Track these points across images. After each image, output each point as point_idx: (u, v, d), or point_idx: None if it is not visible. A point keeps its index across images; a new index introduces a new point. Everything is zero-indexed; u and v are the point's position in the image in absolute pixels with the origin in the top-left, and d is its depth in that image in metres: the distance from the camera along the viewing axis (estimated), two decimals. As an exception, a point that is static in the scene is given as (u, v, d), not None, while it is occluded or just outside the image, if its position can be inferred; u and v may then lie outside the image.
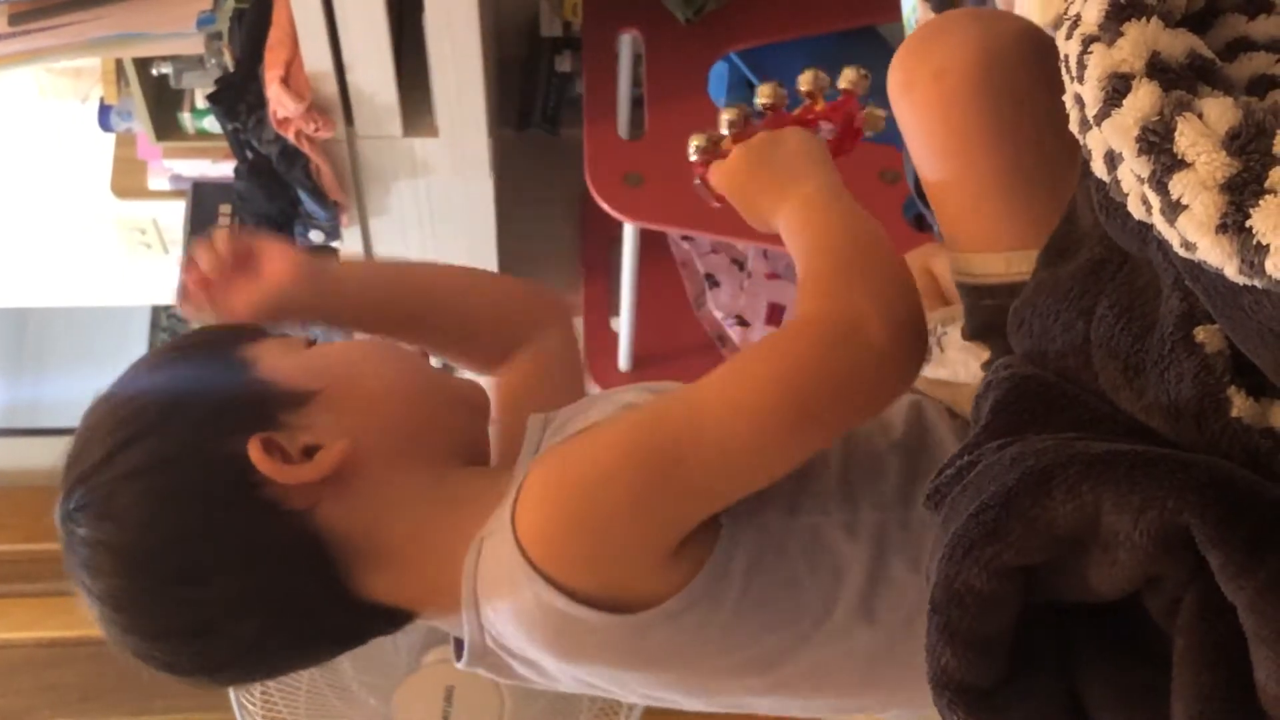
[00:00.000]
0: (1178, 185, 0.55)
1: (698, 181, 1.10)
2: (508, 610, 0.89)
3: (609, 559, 0.86)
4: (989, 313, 0.90)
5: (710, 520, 0.88)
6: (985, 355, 0.94)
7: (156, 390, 0.94)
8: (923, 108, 0.92)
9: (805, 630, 0.91)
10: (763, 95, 1.07)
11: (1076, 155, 0.66)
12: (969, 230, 0.93)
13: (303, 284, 1.03)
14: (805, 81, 1.08)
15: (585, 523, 0.86)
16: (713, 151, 1.07)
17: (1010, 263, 0.88)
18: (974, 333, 0.94)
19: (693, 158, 1.08)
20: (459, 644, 0.95)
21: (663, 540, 0.86)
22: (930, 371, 1.08)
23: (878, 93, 1.03)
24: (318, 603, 0.92)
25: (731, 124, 1.07)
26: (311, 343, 1.00)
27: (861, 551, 0.91)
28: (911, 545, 0.91)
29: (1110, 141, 0.59)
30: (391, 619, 0.95)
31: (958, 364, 1.07)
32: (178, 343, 1.05)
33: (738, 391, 0.87)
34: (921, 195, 1.34)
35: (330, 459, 0.91)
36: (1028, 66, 0.88)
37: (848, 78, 1.08)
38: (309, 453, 0.91)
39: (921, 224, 1.88)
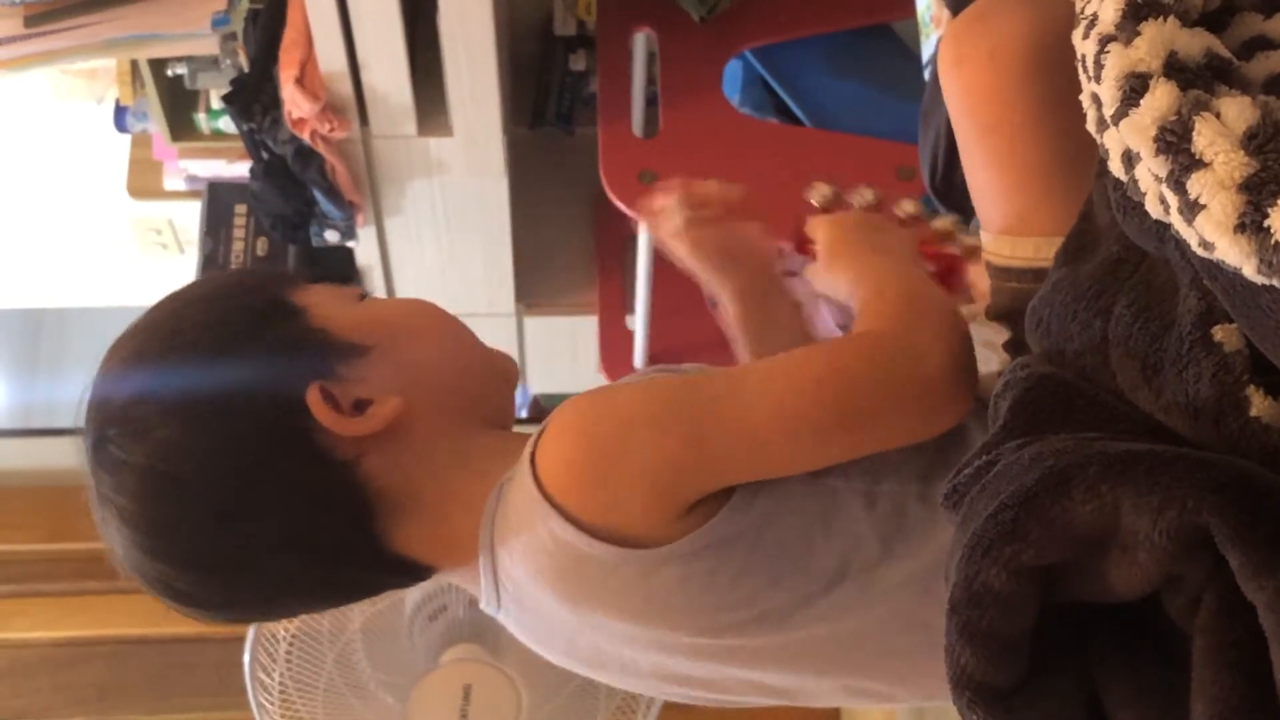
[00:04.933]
0: (1195, 185, 0.55)
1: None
2: (521, 549, 0.90)
3: (623, 494, 0.87)
4: (1013, 295, 0.91)
5: None
6: (1000, 340, 0.94)
7: (206, 327, 0.94)
8: (973, 85, 0.92)
9: (814, 592, 0.91)
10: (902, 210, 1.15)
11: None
12: (1002, 211, 0.93)
13: (767, 266, 1.14)
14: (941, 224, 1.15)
15: (605, 451, 0.87)
16: (833, 203, 1.14)
17: (1040, 248, 0.88)
18: (997, 313, 0.94)
19: (816, 201, 1.15)
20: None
21: (674, 495, 0.88)
22: None
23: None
24: (349, 552, 0.94)
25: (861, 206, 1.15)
26: (362, 297, 1.02)
27: (878, 522, 0.91)
28: (930, 521, 0.91)
29: (1128, 141, 0.58)
30: (412, 573, 0.97)
31: None
32: (221, 280, 1.06)
33: (778, 381, 0.90)
34: (937, 191, 1.35)
35: (385, 414, 0.92)
36: None
37: (942, 228, 1.15)
38: (359, 406, 0.93)
39: (936, 221, 1.88)
